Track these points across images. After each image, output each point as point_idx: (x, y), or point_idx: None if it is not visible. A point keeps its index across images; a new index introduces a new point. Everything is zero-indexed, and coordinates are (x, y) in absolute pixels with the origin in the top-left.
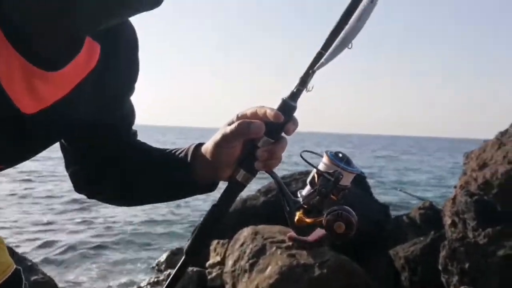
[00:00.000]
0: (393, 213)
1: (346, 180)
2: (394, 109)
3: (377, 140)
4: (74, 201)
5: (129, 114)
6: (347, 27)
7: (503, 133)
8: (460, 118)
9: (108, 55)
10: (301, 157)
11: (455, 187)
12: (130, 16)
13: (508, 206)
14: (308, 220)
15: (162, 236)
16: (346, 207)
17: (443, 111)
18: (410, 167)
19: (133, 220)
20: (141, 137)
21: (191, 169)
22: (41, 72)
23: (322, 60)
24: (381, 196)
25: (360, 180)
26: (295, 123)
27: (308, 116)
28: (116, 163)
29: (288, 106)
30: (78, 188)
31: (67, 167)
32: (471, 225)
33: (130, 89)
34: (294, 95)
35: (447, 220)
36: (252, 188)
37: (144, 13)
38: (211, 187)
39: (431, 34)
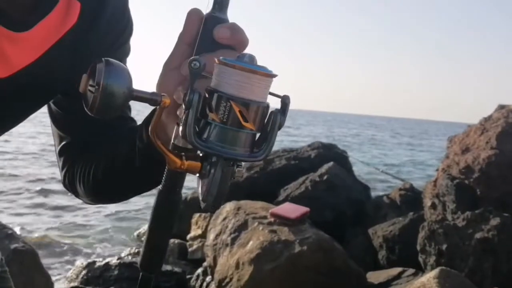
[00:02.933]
0: (373, 193)
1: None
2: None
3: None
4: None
5: None
6: None
7: (487, 119)
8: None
9: (91, 14)
10: None
11: (437, 170)
12: None
13: (487, 191)
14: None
15: (144, 206)
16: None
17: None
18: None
19: None
20: None
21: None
22: (9, 33)
23: None
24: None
25: (342, 159)
26: (230, 26)
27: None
28: (102, 142)
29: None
30: (66, 176)
31: (56, 147)
32: (451, 208)
33: (117, 50)
34: (219, 4)
35: (427, 202)
36: None
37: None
38: None
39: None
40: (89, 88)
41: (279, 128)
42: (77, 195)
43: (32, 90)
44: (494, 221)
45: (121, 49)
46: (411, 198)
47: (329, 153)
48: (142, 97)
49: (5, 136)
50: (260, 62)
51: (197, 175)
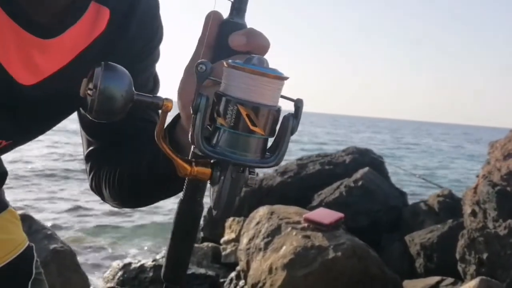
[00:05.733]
0: (411, 200)
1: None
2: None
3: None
4: None
5: (144, 88)
6: None
7: None
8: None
9: (120, 21)
10: None
11: (477, 176)
12: None
13: None
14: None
15: None
16: None
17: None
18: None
19: None
20: None
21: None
22: (38, 40)
23: None
24: (397, 181)
25: (378, 165)
26: (246, 32)
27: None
28: (130, 144)
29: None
30: (92, 180)
31: (84, 151)
32: (492, 216)
33: (147, 57)
34: (237, 10)
35: (467, 209)
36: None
37: None
38: None
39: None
40: (88, 91)
41: (292, 133)
42: (103, 198)
43: (59, 97)
44: None
45: (151, 56)
46: (449, 205)
47: (364, 158)
48: (143, 100)
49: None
50: (280, 67)
51: (208, 182)
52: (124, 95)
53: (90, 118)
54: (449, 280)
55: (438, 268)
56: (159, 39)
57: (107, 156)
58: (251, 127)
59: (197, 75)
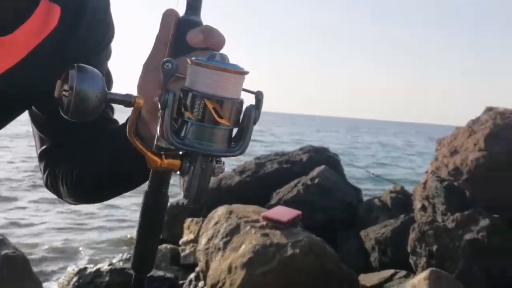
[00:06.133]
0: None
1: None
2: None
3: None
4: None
5: None
6: None
7: (474, 121)
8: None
9: (72, 18)
10: None
11: (426, 172)
12: None
13: (476, 193)
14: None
15: (134, 211)
16: None
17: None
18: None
19: None
20: None
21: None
22: None
23: None
24: (351, 178)
25: (334, 163)
26: (203, 30)
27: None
28: (89, 142)
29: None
30: (48, 178)
31: (37, 150)
32: (440, 210)
33: (98, 55)
34: (192, 8)
35: (417, 204)
36: (228, 166)
37: None
38: None
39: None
40: (63, 92)
41: (254, 123)
42: (60, 196)
43: (13, 94)
44: (484, 222)
45: (102, 53)
46: (401, 200)
47: (321, 156)
48: (116, 99)
49: None
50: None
51: (178, 173)
52: (98, 95)
53: (66, 118)
54: (402, 272)
55: (392, 261)
56: (111, 36)
57: (63, 154)
58: (218, 119)
59: (164, 72)
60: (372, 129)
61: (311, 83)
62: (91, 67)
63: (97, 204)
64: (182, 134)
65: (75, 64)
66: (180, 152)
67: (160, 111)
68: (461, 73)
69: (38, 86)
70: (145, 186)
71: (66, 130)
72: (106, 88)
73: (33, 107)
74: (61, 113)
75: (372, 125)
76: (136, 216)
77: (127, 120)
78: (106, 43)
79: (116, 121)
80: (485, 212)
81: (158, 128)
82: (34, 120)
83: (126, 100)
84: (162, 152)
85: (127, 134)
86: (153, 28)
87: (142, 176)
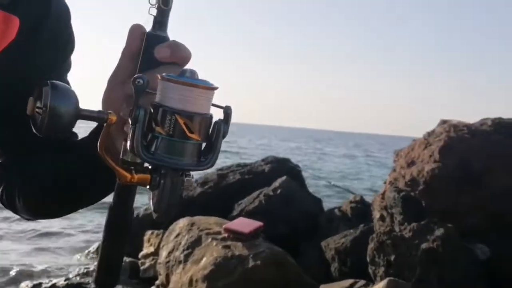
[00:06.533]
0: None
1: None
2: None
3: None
4: None
5: None
6: None
7: (430, 133)
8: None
9: (31, 29)
10: None
11: (384, 182)
12: None
13: (432, 203)
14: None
15: (90, 225)
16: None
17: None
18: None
19: None
20: None
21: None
22: None
23: None
24: (313, 188)
25: (296, 174)
26: (170, 45)
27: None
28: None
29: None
30: (2, 193)
31: None
32: (398, 219)
33: (57, 67)
34: (159, 23)
35: (376, 214)
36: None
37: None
38: None
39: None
40: (37, 110)
41: (223, 137)
42: (15, 211)
43: None
44: (439, 232)
45: (63, 65)
46: (361, 210)
47: (282, 167)
48: (89, 115)
49: None
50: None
51: (148, 187)
52: (72, 112)
53: (39, 135)
54: (362, 282)
55: (351, 271)
56: (71, 49)
57: (19, 168)
58: (188, 134)
59: (135, 88)
60: (336, 140)
61: (272, 93)
62: (64, 84)
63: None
64: (153, 148)
65: (48, 81)
66: (150, 167)
67: (131, 126)
68: (421, 84)
69: None
70: (103, 200)
71: (20, 144)
72: (79, 105)
73: None
74: (34, 130)
75: (334, 136)
76: (93, 229)
77: (91, 133)
78: (66, 55)
79: (75, 134)
80: (440, 221)
81: (128, 143)
82: None
83: (99, 117)
84: (132, 168)
85: (98, 150)
86: (118, 43)
87: (102, 190)
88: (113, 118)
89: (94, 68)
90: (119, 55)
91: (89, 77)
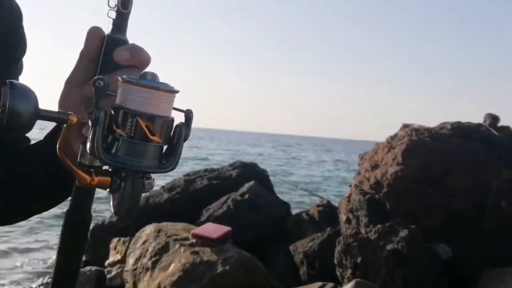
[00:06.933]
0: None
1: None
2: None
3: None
4: None
5: None
6: None
7: (393, 137)
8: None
9: None
10: None
11: (350, 185)
12: None
13: (395, 205)
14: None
15: (54, 235)
16: None
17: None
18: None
19: None
20: None
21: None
22: None
23: None
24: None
25: (263, 178)
26: (129, 48)
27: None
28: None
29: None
30: None
31: None
32: (364, 222)
33: (9, 68)
34: (118, 26)
35: (343, 217)
36: (156, 184)
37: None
38: None
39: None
40: None
41: (185, 140)
42: None
43: None
44: (403, 233)
45: (14, 67)
46: (328, 213)
47: (250, 172)
48: (49, 116)
49: None
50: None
51: (108, 190)
52: (31, 111)
53: None
54: (330, 285)
55: (320, 274)
56: (22, 50)
57: None
58: (150, 137)
59: (96, 90)
60: (305, 146)
61: (242, 98)
62: (23, 84)
63: (13, 225)
64: (113, 151)
65: (7, 81)
66: (110, 169)
67: (91, 127)
68: (386, 88)
69: None
70: (66, 204)
71: None
72: (39, 105)
73: None
74: None
75: (302, 141)
76: (57, 238)
77: (46, 137)
78: (18, 57)
79: (28, 139)
80: (403, 223)
81: (88, 145)
82: None
83: (59, 117)
84: (92, 170)
85: (57, 152)
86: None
87: (57, 194)
88: (74, 119)
89: (48, 72)
90: (75, 59)
91: (41, 80)
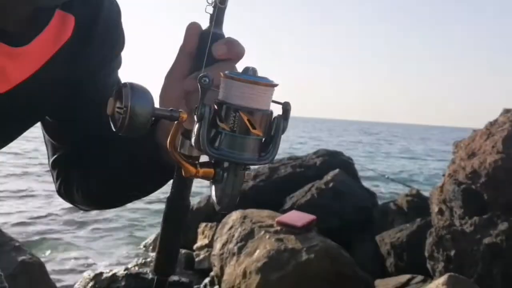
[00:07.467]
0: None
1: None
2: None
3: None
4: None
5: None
6: None
7: (492, 123)
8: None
9: (85, 28)
10: None
11: (443, 175)
12: None
13: (494, 196)
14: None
15: (148, 216)
16: None
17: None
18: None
19: None
20: None
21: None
22: (8, 48)
23: None
24: (367, 182)
25: (348, 167)
26: (227, 42)
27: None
28: (102, 150)
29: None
30: (61, 186)
31: (50, 158)
32: (458, 213)
33: (110, 64)
34: (215, 21)
35: (434, 208)
36: None
37: None
38: None
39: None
40: (117, 110)
41: (283, 132)
42: (73, 202)
43: (29, 105)
44: (502, 226)
45: (114, 62)
46: (418, 204)
47: (335, 160)
48: (163, 114)
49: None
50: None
51: (211, 181)
52: (149, 112)
53: (119, 134)
54: (419, 277)
55: (408, 266)
56: (122, 45)
57: (78, 160)
58: (251, 130)
59: (201, 86)
60: (388, 133)
61: (325, 87)
62: (142, 85)
63: (111, 210)
64: (217, 144)
65: (127, 83)
66: (212, 161)
67: (196, 122)
68: (487, 71)
69: (53, 96)
70: (156, 193)
71: (79, 137)
72: (154, 104)
73: (47, 117)
74: (113, 129)
75: (386, 128)
76: (149, 221)
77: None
78: (117, 52)
79: None
80: (503, 215)
81: (193, 139)
82: (47, 128)
83: (172, 115)
84: (197, 162)
85: (168, 146)
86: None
87: (156, 183)
88: (184, 116)
89: (150, 66)
90: (174, 53)
91: (144, 74)
